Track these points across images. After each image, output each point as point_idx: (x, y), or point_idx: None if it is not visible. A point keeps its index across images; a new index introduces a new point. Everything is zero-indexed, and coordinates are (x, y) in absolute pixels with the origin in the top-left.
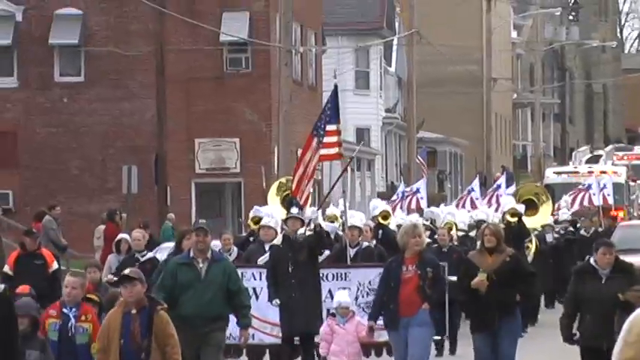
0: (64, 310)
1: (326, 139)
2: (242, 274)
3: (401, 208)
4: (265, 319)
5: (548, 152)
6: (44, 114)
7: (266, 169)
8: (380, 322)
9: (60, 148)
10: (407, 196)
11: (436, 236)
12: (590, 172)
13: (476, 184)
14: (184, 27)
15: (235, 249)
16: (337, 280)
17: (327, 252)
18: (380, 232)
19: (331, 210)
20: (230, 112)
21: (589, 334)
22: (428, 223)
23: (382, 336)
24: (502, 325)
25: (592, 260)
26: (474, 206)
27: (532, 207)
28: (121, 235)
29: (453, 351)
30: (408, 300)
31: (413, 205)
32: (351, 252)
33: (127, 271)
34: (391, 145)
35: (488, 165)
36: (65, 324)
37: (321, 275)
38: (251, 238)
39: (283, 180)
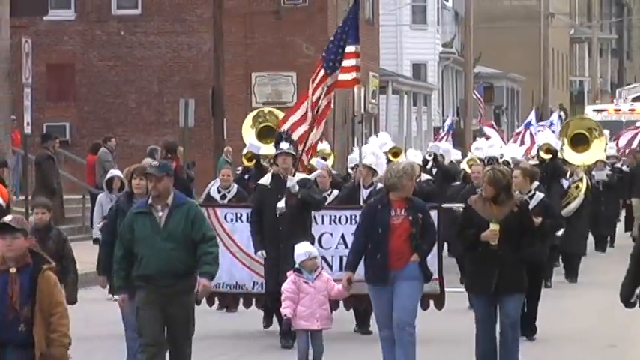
0: None
1: (344, 63)
2: (239, 215)
3: (446, 140)
4: None
5: (605, 88)
6: (101, 47)
7: None
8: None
9: (117, 81)
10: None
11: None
12: (632, 111)
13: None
14: None
15: (235, 186)
16: (351, 223)
17: (335, 192)
18: None
19: (323, 146)
20: (287, 46)
21: None
22: (431, 158)
23: (357, 289)
24: (504, 284)
25: None
26: (533, 141)
27: (583, 142)
28: (112, 172)
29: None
30: (397, 250)
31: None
32: (365, 193)
33: (7, 219)
34: (448, 80)
35: (544, 100)
36: None
37: (333, 218)
38: (246, 176)
39: (265, 110)
